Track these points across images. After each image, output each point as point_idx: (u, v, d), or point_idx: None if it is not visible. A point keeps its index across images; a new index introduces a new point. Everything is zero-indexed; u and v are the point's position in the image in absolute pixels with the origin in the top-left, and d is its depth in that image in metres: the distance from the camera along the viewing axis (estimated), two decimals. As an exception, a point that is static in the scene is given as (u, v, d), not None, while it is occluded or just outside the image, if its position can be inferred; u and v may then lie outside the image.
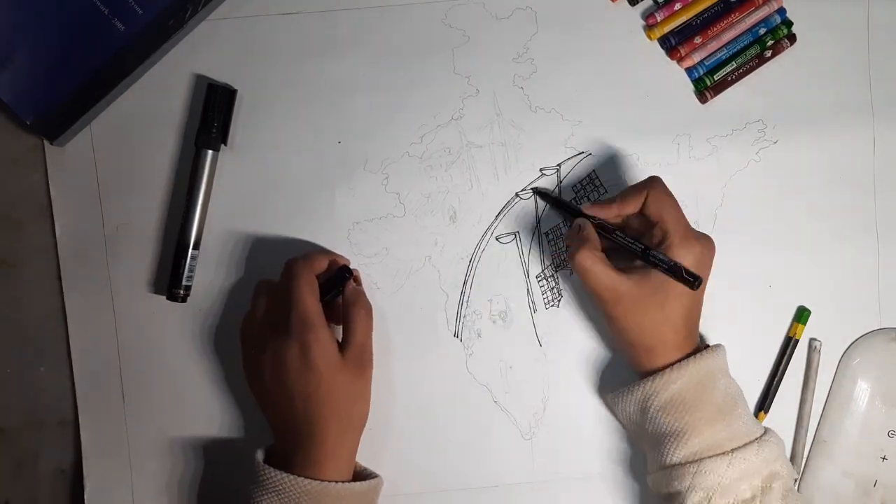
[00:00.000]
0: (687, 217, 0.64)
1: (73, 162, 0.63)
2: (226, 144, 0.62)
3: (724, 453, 0.55)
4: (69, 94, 0.59)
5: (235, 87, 0.62)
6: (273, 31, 0.63)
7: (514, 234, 0.64)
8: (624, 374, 0.64)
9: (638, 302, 0.56)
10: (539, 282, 0.64)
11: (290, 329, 0.55)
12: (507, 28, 0.63)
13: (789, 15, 0.64)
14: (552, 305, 0.64)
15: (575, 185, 0.64)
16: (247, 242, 0.63)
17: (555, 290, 0.64)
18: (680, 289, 0.55)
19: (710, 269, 0.58)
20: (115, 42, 0.59)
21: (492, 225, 0.64)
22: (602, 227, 0.58)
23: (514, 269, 0.64)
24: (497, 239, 0.64)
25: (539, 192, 0.63)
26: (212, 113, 0.61)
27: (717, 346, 0.59)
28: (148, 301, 0.63)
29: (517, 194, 0.64)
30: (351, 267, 0.61)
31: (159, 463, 0.63)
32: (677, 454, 0.56)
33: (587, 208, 0.59)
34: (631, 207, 0.58)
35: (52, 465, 0.64)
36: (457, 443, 0.64)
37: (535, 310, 0.64)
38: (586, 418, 0.64)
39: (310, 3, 0.63)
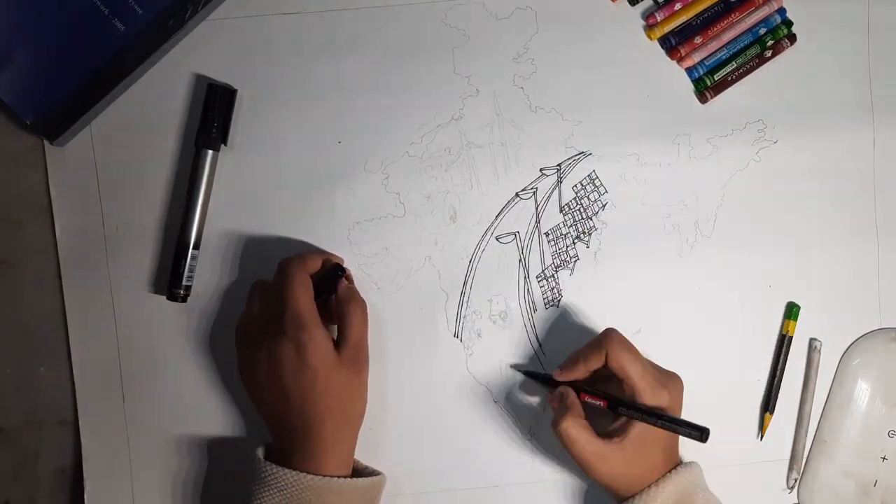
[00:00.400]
0: (687, 217, 0.64)
1: (73, 162, 0.63)
2: (226, 144, 0.62)
3: None
4: (69, 94, 0.59)
5: (235, 87, 0.62)
6: (273, 31, 0.63)
7: (514, 234, 0.64)
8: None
9: (625, 464, 0.57)
10: (539, 282, 0.64)
11: (284, 328, 0.55)
12: (508, 28, 0.63)
13: (789, 15, 0.64)
14: (552, 305, 0.64)
15: (575, 186, 0.64)
16: (247, 242, 0.63)
17: (555, 290, 0.64)
18: (655, 435, 0.57)
19: (680, 405, 0.60)
20: (115, 42, 0.59)
21: (492, 225, 0.64)
22: (605, 399, 0.59)
23: (513, 269, 0.64)
24: (497, 239, 0.64)
25: (516, 367, 0.64)
26: (212, 113, 0.61)
27: (691, 462, 0.60)
28: (148, 301, 0.63)
29: (517, 194, 0.64)
30: (345, 266, 0.61)
31: (159, 462, 0.63)
32: None
33: (559, 375, 0.60)
34: (594, 364, 0.58)
35: (52, 465, 0.64)
36: (457, 443, 0.64)
37: (535, 310, 0.64)
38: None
39: (310, 3, 0.63)
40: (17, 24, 0.58)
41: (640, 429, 0.57)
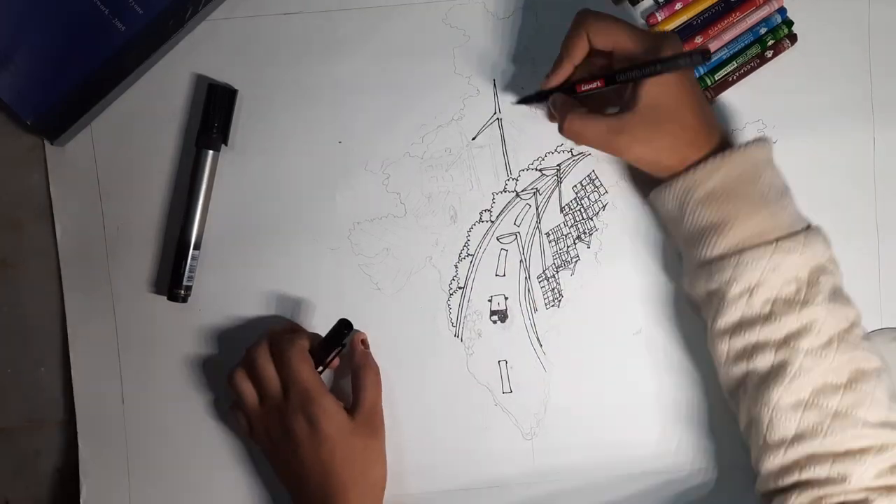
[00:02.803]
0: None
1: (73, 162, 0.63)
2: (226, 144, 0.62)
3: (766, 243, 0.52)
4: (69, 94, 0.59)
5: (236, 87, 0.62)
6: (273, 31, 0.63)
7: (515, 234, 0.64)
8: (630, 371, 0.64)
9: (650, 133, 0.53)
10: (540, 282, 0.64)
11: (293, 405, 0.56)
12: (508, 28, 0.63)
13: (789, 15, 0.64)
14: (552, 306, 0.64)
15: (575, 186, 0.64)
16: (247, 242, 0.63)
17: (555, 291, 0.64)
18: (682, 90, 0.53)
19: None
20: (115, 42, 0.59)
21: (493, 225, 0.64)
22: (601, 77, 0.55)
23: (514, 270, 0.64)
24: (498, 239, 0.64)
25: (521, 101, 0.62)
26: (212, 113, 0.61)
27: (763, 138, 0.56)
28: (148, 301, 0.63)
29: (518, 194, 0.64)
30: (354, 325, 0.61)
31: (158, 464, 0.63)
32: (718, 247, 0.53)
33: (546, 83, 0.57)
34: (578, 52, 0.55)
35: (52, 465, 0.64)
36: (457, 443, 0.64)
37: (536, 310, 0.64)
38: (587, 418, 0.64)
39: (310, 3, 0.63)
40: (17, 24, 0.58)
41: (650, 88, 0.52)
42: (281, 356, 0.57)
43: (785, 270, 0.52)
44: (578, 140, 0.55)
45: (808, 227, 0.55)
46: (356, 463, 0.56)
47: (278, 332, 0.60)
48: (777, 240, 0.52)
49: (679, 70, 0.52)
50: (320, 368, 0.59)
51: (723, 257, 0.53)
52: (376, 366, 0.61)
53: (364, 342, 0.62)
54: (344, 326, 0.60)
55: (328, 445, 0.55)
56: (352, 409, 0.58)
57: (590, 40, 0.55)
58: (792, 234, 0.53)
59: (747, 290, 0.52)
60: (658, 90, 0.53)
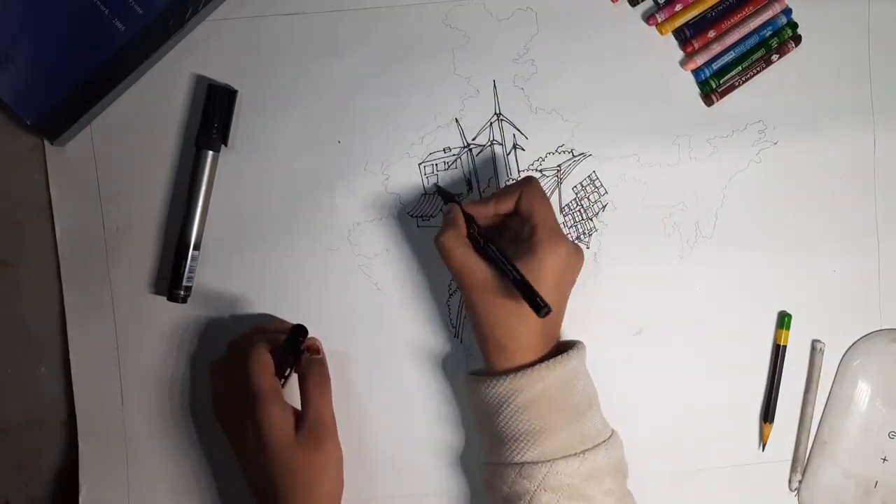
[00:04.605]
0: (687, 217, 0.64)
1: (73, 162, 0.63)
2: (226, 145, 0.62)
3: (575, 454, 0.54)
4: (69, 94, 0.59)
5: (235, 88, 0.62)
6: (273, 31, 0.63)
7: (515, 234, 0.64)
8: (630, 371, 0.64)
9: (495, 292, 0.54)
10: (539, 282, 0.64)
11: (246, 407, 0.56)
12: (508, 29, 0.63)
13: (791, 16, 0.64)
14: (552, 306, 0.64)
15: (575, 186, 0.64)
16: (247, 243, 0.63)
17: (555, 291, 0.64)
18: (553, 276, 0.54)
19: (574, 278, 0.58)
20: (115, 42, 0.59)
21: (492, 226, 0.64)
22: (478, 233, 0.57)
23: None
24: (497, 240, 0.64)
25: (438, 188, 0.62)
26: (212, 113, 0.61)
27: (579, 344, 0.58)
28: (148, 301, 0.63)
29: (517, 195, 0.64)
30: (307, 328, 0.59)
31: (157, 464, 0.63)
32: (530, 453, 0.54)
33: (466, 206, 0.58)
34: (506, 206, 0.57)
35: (52, 465, 0.64)
36: (457, 443, 0.64)
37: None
38: (586, 419, 0.64)
39: (310, 4, 0.63)
40: (17, 24, 0.58)
41: (530, 263, 0.54)
42: (242, 358, 0.56)
43: (589, 479, 0.54)
44: (443, 254, 0.56)
45: (610, 437, 0.57)
46: (297, 475, 0.55)
47: (249, 333, 0.60)
48: (584, 452, 0.55)
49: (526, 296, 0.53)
50: (286, 375, 0.58)
51: (534, 463, 0.54)
52: (323, 374, 0.59)
53: (312, 348, 0.61)
54: (299, 333, 0.58)
55: (268, 454, 0.55)
56: (297, 421, 0.57)
57: (519, 200, 0.57)
58: (597, 446, 0.55)
59: (555, 499, 0.54)
60: (528, 274, 0.53)
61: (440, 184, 0.63)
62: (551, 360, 0.55)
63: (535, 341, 0.56)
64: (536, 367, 0.55)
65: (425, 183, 0.64)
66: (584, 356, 0.58)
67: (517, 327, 0.55)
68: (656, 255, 0.64)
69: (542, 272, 0.54)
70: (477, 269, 0.55)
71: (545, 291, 0.53)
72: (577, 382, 0.56)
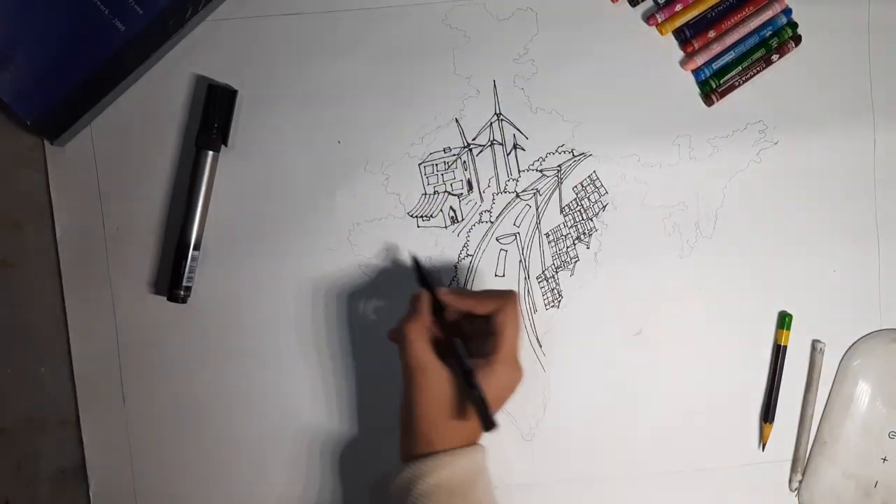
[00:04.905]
0: (687, 217, 0.64)
1: (73, 162, 0.63)
2: (226, 145, 0.62)
3: None
4: (69, 94, 0.59)
5: (235, 88, 0.62)
6: (273, 31, 0.63)
7: (515, 234, 0.64)
8: (630, 371, 0.64)
9: (441, 393, 0.54)
10: (539, 283, 0.64)
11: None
12: (508, 29, 0.63)
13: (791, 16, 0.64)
14: (552, 306, 0.64)
15: (575, 187, 0.64)
16: (247, 243, 0.63)
17: (555, 291, 0.64)
18: (495, 394, 0.55)
19: (510, 396, 0.57)
20: (115, 42, 0.59)
21: (492, 226, 0.64)
22: (443, 331, 0.57)
23: (514, 270, 0.64)
24: (497, 240, 0.64)
25: (415, 261, 0.60)
26: (212, 113, 0.61)
27: (480, 445, 0.57)
28: (148, 301, 0.63)
29: (518, 195, 0.64)
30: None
31: (160, 462, 0.63)
32: None
33: (444, 293, 0.57)
34: (483, 309, 0.57)
35: (52, 465, 0.64)
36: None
37: (535, 310, 0.64)
38: (586, 419, 0.64)
39: (310, 4, 0.63)
40: (17, 24, 0.58)
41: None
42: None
43: None
44: (402, 342, 0.55)
45: None
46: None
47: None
48: None
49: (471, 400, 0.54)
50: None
51: None
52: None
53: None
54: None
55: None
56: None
57: (496, 311, 0.56)
58: None
59: None
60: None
61: (416, 256, 0.61)
62: (458, 449, 0.55)
63: (460, 435, 0.56)
64: (440, 454, 0.54)
65: (425, 183, 0.64)
66: (485, 455, 0.57)
67: (448, 429, 0.55)
68: (656, 255, 0.64)
69: (494, 390, 0.55)
70: (432, 366, 0.55)
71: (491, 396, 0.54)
72: (480, 477, 0.56)
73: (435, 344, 0.56)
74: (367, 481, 0.63)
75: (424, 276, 0.59)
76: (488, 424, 0.52)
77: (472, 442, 0.57)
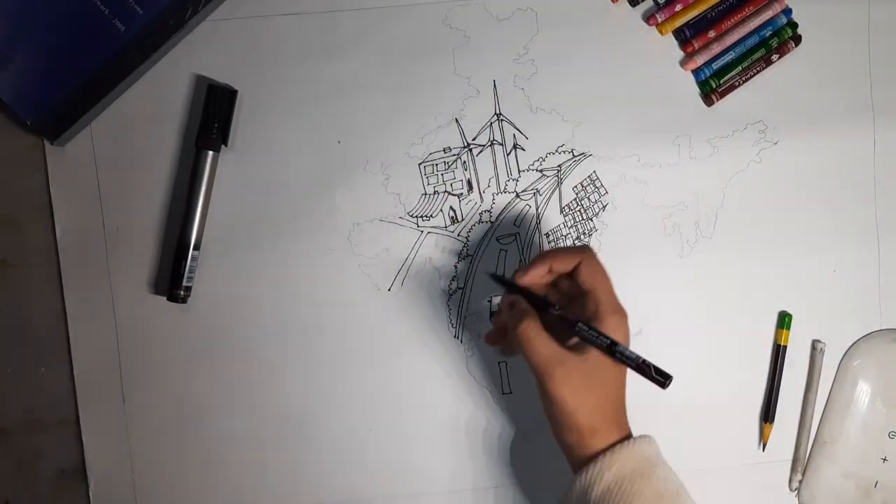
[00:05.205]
0: (687, 217, 0.64)
1: (73, 162, 0.63)
2: (226, 145, 0.62)
3: None
4: (69, 94, 0.59)
5: (235, 88, 0.62)
6: (273, 31, 0.63)
7: (515, 234, 0.64)
8: (630, 371, 0.64)
9: (584, 383, 0.52)
10: (539, 282, 0.64)
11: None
12: (508, 29, 0.63)
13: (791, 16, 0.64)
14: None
15: (575, 187, 0.64)
16: (247, 243, 0.63)
17: (555, 291, 0.64)
18: (618, 369, 0.53)
19: (630, 338, 0.55)
20: (115, 42, 0.59)
21: (492, 226, 0.64)
22: (563, 318, 0.54)
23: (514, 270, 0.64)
24: (497, 240, 0.64)
25: (493, 276, 0.57)
26: (212, 113, 0.61)
27: (648, 435, 0.55)
28: (148, 301, 0.63)
29: (518, 195, 0.64)
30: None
31: (160, 462, 0.63)
32: None
33: (521, 277, 0.55)
34: (562, 266, 0.54)
35: (52, 465, 0.64)
36: (457, 443, 0.64)
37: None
38: (586, 419, 0.64)
39: (310, 4, 0.63)
40: (18, 24, 0.58)
41: (599, 352, 0.52)
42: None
43: None
44: (525, 344, 0.53)
45: None
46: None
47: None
48: None
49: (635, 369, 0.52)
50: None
51: None
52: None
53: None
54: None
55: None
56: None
57: (579, 269, 0.54)
58: None
59: None
60: (605, 359, 0.52)
61: (492, 273, 0.58)
62: (616, 446, 0.52)
63: (616, 421, 0.54)
64: (600, 456, 0.52)
65: (425, 183, 0.64)
66: (654, 445, 0.55)
67: (603, 406, 0.53)
68: (656, 255, 0.64)
69: (609, 360, 0.52)
70: (565, 357, 0.52)
71: (614, 376, 0.53)
72: (655, 470, 0.53)
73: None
74: (367, 480, 0.63)
75: (507, 282, 0.56)
76: (665, 379, 0.50)
77: (626, 428, 0.55)
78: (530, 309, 0.54)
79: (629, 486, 0.52)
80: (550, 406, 0.53)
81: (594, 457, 0.52)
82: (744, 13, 0.64)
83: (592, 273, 0.54)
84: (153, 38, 0.60)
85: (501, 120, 0.64)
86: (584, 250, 0.55)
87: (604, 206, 0.64)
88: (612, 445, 0.53)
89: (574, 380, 0.52)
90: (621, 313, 0.54)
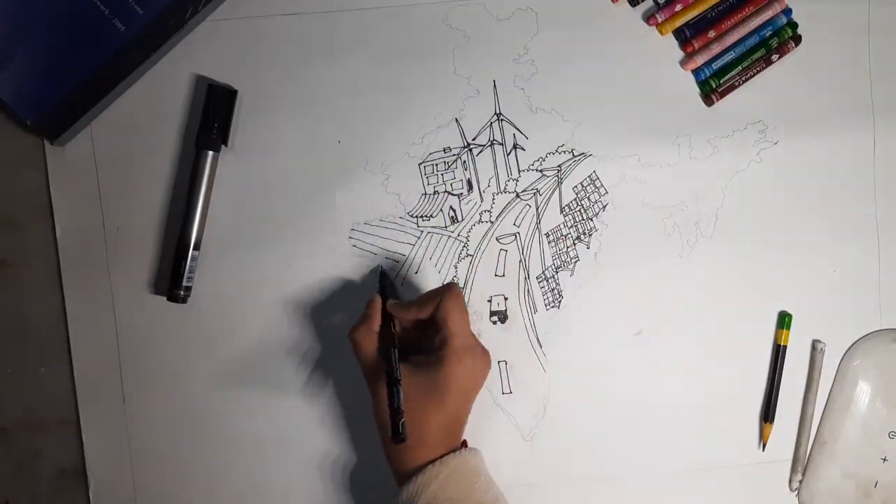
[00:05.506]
0: (687, 217, 0.64)
1: (73, 162, 0.63)
2: (226, 145, 0.62)
3: None
4: (69, 94, 0.59)
5: (235, 88, 0.62)
6: (273, 31, 0.63)
7: (515, 234, 0.64)
8: (630, 371, 0.64)
9: (416, 389, 0.55)
10: (539, 283, 0.64)
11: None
12: (508, 29, 0.63)
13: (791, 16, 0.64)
14: (552, 307, 0.64)
15: (575, 187, 0.64)
16: (247, 243, 0.63)
17: (555, 292, 0.64)
18: (459, 385, 0.55)
19: (480, 384, 0.58)
20: (115, 42, 0.59)
21: (492, 226, 0.64)
22: (391, 334, 0.58)
23: (514, 270, 0.64)
24: (497, 240, 0.64)
25: (381, 273, 0.63)
26: (212, 113, 0.61)
27: (475, 448, 0.58)
28: (148, 301, 0.63)
29: (518, 195, 0.64)
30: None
31: (160, 462, 0.63)
32: None
33: (391, 306, 0.59)
34: (426, 312, 0.58)
35: (52, 465, 0.64)
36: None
37: (535, 310, 0.64)
38: (586, 419, 0.64)
39: (310, 4, 0.63)
40: (17, 24, 0.58)
41: (436, 373, 0.55)
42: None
43: None
44: (353, 346, 0.57)
45: None
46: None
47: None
48: None
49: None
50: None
51: None
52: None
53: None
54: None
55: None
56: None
57: (438, 307, 0.57)
58: None
59: None
60: (438, 380, 0.55)
61: (384, 267, 0.63)
62: (444, 457, 0.55)
63: (444, 436, 0.56)
64: (429, 465, 0.55)
65: (425, 183, 0.64)
66: (479, 456, 0.58)
67: (430, 421, 0.55)
68: (656, 255, 0.64)
69: (448, 384, 0.55)
70: (380, 367, 0.56)
71: (450, 399, 0.55)
72: (478, 479, 0.56)
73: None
74: (367, 480, 0.63)
75: (383, 287, 0.61)
76: (396, 436, 0.53)
77: (456, 443, 0.57)
78: (375, 316, 0.58)
79: (454, 495, 0.54)
80: (374, 402, 0.57)
81: (422, 467, 0.55)
82: (744, 13, 0.64)
83: (446, 311, 0.57)
84: (153, 38, 0.60)
85: (501, 120, 0.64)
86: (445, 290, 0.58)
87: (604, 206, 0.64)
88: (442, 456, 0.55)
89: (383, 394, 0.55)
90: (473, 351, 0.57)
